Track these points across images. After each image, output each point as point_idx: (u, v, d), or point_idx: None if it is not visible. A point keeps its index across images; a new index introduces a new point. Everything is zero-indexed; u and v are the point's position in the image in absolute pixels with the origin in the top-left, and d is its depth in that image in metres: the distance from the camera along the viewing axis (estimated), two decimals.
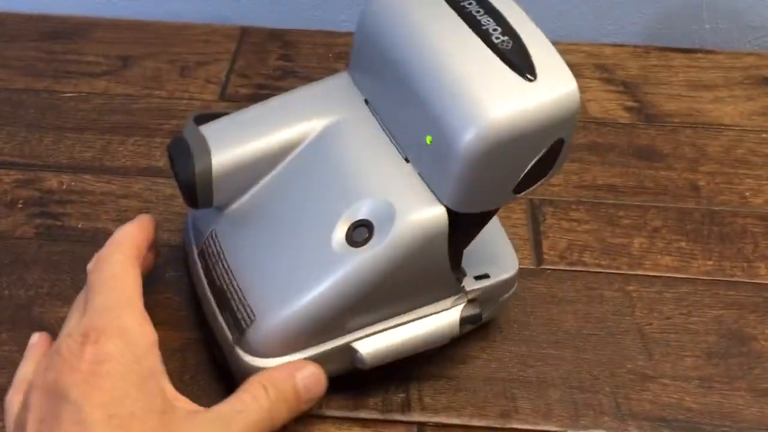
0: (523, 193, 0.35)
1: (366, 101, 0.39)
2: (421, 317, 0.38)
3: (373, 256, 0.35)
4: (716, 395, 0.43)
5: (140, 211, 0.51)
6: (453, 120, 0.32)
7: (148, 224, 0.41)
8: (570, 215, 0.52)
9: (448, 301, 0.39)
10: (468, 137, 0.31)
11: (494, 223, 0.43)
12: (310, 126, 0.39)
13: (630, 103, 0.62)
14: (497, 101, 0.31)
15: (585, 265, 0.49)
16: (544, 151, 0.33)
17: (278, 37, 0.67)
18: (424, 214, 0.35)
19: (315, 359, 0.37)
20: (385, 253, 0.34)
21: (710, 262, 0.50)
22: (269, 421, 0.35)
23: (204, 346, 0.43)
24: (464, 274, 0.40)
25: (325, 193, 0.37)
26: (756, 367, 0.44)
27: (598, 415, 0.41)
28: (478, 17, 0.34)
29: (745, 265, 0.50)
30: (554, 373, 0.43)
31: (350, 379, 0.41)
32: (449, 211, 0.34)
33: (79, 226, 0.50)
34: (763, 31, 0.69)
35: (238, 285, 0.38)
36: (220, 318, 0.39)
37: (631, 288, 0.48)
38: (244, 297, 0.37)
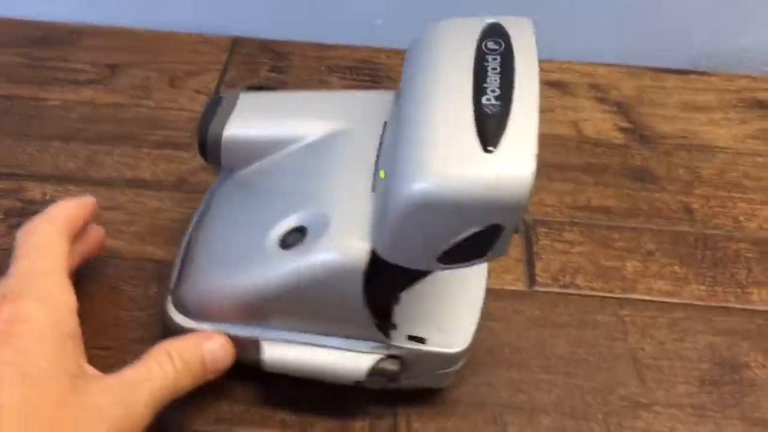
0: (450, 267, 0.33)
1: (384, 123, 0.38)
2: (334, 347, 0.38)
3: (289, 262, 0.35)
4: (709, 424, 0.42)
5: (125, 225, 0.50)
6: (400, 166, 0.32)
7: (88, 204, 0.41)
8: (563, 236, 0.52)
9: (365, 345, 0.38)
10: (402, 186, 0.31)
11: (471, 294, 0.41)
12: (322, 125, 0.39)
13: (624, 124, 0.62)
14: (441, 161, 0.30)
15: (578, 288, 0.48)
16: (476, 229, 0.31)
17: (270, 48, 0.66)
18: (349, 243, 0.34)
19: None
20: (299, 265, 0.35)
21: (703, 287, 0.49)
22: (173, 390, 0.35)
23: None
24: (394, 327, 0.38)
25: (290, 189, 0.38)
26: (749, 395, 0.43)
27: None
28: (489, 73, 0.32)
29: (738, 290, 0.49)
30: (546, 399, 0.42)
31: (337, 402, 0.41)
32: (374, 253, 0.33)
33: None
34: (755, 53, 0.69)
35: (196, 241, 0.41)
36: (177, 265, 0.41)
37: (624, 312, 0.47)
38: (194, 254, 0.40)
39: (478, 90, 0.32)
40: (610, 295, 0.48)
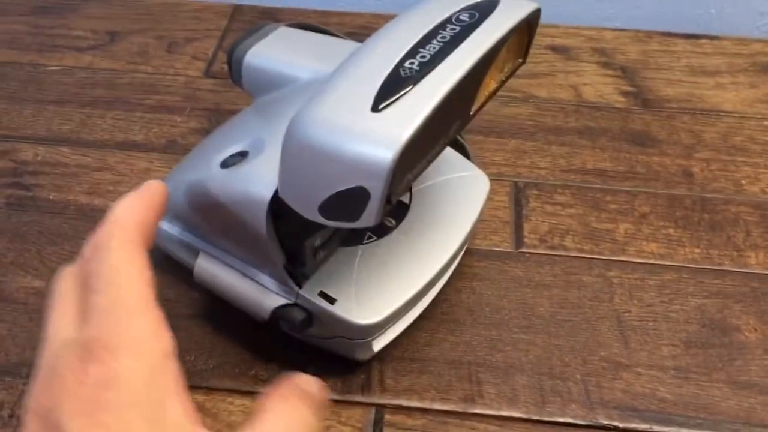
0: (330, 224, 0.31)
1: None
2: (254, 281, 0.38)
3: (215, 179, 0.36)
4: (692, 386, 0.41)
5: (113, 185, 0.50)
6: (301, 108, 0.31)
7: (157, 194, 0.32)
8: (555, 199, 0.51)
9: (279, 288, 0.38)
10: (289, 127, 0.30)
11: (411, 282, 0.40)
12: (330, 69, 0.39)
13: (627, 88, 0.60)
14: (327, 111, 0.29)
15: (565, 250, 0.47)
16: (344, 187, 0.29)
17: (270, 14, 0.66)
18: (264, 173, 0.33)
19: (176, 237, 0.40)
20: (221, 183, 0.35)
21: (698, 250, 0.48)
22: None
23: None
24: (306, 277, 0.38)
25: (260, 118, 0.39)
26: (737, 359, 0.42)
27: (566, 403, 0.40)
28: (434, 41, 0.31)
29: (735, 254, 0.47)
30: (523, 359, 0.42)
31: (312, 357, 0.40)
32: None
33: (50, 197, 0.49)
34: None
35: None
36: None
37: (611, 274, 0.46)
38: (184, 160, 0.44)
39: (411, 53, 0.31)
40: (599, 257, 0.47)
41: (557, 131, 0.56)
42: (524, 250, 0.47)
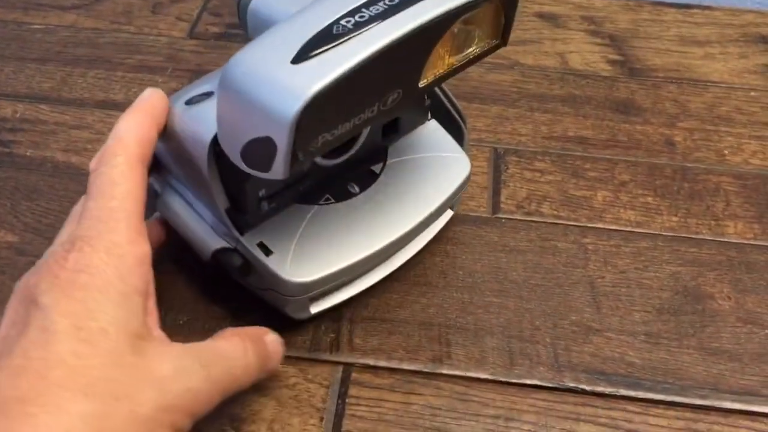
0: (250, 171, 0.31)
1: None
2: (205, 220, 0.38)
3: (176, 114, 0.36)
4: (662, 352, 0.41)
5: (90, 143, 0.50)
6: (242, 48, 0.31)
7: (158, 105, 0.36)
8: (534, 165, 0.50)
9: (223, 231, 0.37)
10: (226, 66, 0.30)
11: (355, 250, 0.39)
12: None
13: (614, 57, 0.59)
14: (253, 57, 0.29)
15: (542, 216, 0.47)
16: (255, 135, 0.29)
17: None
18: (212, 113, 0.32)
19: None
20: (180, 118, 0.35)
21: (675, 218, 0.47)
22: (243, 375, 0.33)
23: None
24: (249, 225, 0.38)
25: None
26: (709, 326, 0.42)
27: (534, 365, 0.40)
28: (378, 4, 0.30)
29: (713, 223, 0.47)
30: (494, 321, 0.42)
31: (282, 319, 0.40)
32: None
33: (27, 153, 0.49)
34: None
35: None
36: None
37: (587, 240, 0.46)
38: None
39: (352, 12, 0.30)
40: (575, 223, 0.47)
41: (541, 98, 0.55)
42: (500, 215, 0.47)
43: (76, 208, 0.36)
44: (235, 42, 0.59)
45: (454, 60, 0.34)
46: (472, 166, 0.49)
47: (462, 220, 0.47)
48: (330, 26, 0.29)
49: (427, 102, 0.44)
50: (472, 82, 0.56)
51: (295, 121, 0.27)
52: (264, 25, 0.38)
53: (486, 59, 0.57)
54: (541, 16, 0.62)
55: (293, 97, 0.27)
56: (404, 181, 0.42)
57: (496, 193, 0.48)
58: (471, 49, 0.34)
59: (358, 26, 0.29)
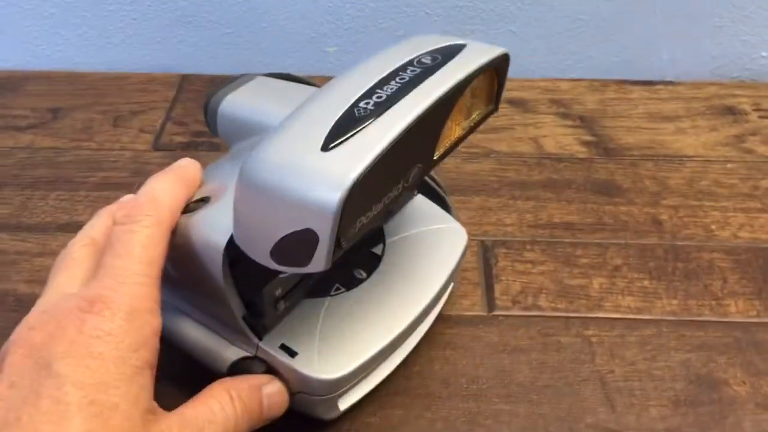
0: (282, 270, 0.30)
1: None
2: (214, 332, 0.37)
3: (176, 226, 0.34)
4: None
5: None
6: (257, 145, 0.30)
7: (191, 175, 0.35)
8: (524, 256, 0.49)
9: (239, 339, 0.36)
10: (243, 165, 0.29)
11: (377, 336, 0.38)
12: None
13: (587, 138, 0.59)
14: (278, 150, 0.29)
15: (540, 310, 0.45)
16: (293, 229, 0.28)
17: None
18: (220, 219, 0.32)
19: None
20: (180, 227, 0.34)
21: (675, 302, 0.46)
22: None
23: None
24: (266, 329, 0.36)
25: (226, 166, 0.37)
26: (729, 416, 0.40)
27: None
28: (392, 82, 0.31)
29: (714, 302, 0.46)
30: (506, 431, 0.39)
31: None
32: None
33: None
34: (723, 60, 0.67)
35: None
36: None
37: (590, 332, 0.44)
38: None
39: (368, 94, 0.30)
40: (575, 315, 0.45)
41: (521, 185, 0.54)
42: (497, 312, 0.45)
43: (78, 253, 0.33)
44: (202, 150, 0.57)
45: (459, 128, 0.35)
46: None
47: (458, 322, 0.44)
48: (350, 110, 0.29)
49: None
50: (450, 174, 0.55)
51: (339, 210, 0.27)
52: (238, 124, 0.39)
53: (461, 149, 0.57)
54: (510, 102, 0.62)
55: (334, 186, 0.27)
56: (408, 259, 0.42)
57: (489, 288, 0.46)
58: (473, 117, 0.36)
59: (379, 107, 0.29)
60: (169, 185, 0.34)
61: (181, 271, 0.35)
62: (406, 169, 0.31)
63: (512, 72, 0.65)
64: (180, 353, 0.38)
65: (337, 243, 0.28)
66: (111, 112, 0.60)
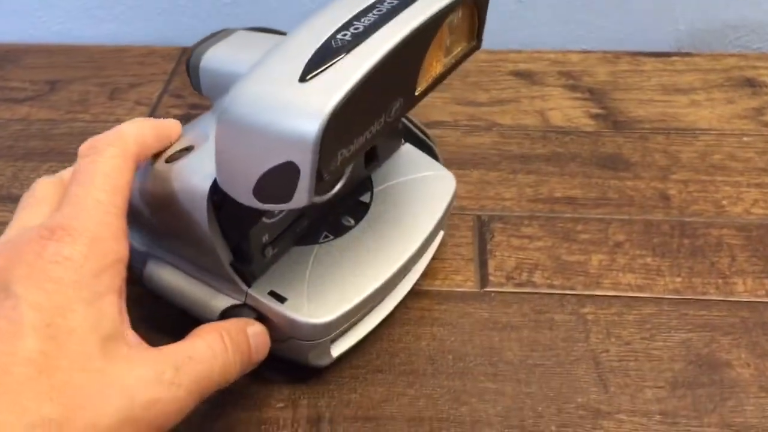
0: (266, 207, 0.30)
1: None
2: (203, 282, 0.37)
3: (158, 173, 0.34)
4: None
5: None
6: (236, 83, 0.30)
7: (169, 127, 0.35)
8: (521, 231, 0.47)
9: (228, 287, 0.36)
10: (222, 104, 0.29)
11: (366, 281, 0.38)
12: None
13: (596, 110, 0.57)
14: (255, 84, 0.29)
15: (534, 286, 0.43)
16: (274, 163, 0.28)
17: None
18: (203, 165, 0.32)
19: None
20: (164, 176, 0.34)
21: (679, 279, 0.44)
22: (222, 375, 0.31)
23: None
24: (254, 276, 0.36)
25: (210, 117, 0.37)
26: (730, 398, 0.38)
27: None
28: (370, 14, 0.30)
29: (720, 281, 0.43)
30: (491, 411, 0.37)
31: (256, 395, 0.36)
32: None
33: None
34: (743, 30, 0.64)
35: None
36: None
37: (585, 310, 0.42)
38: None
39: (345, 26, 0.29)
40: (571, 292, 0.43)
41: (523, 159, 0.52)
42: (489, 289, 0.43)
43: (42, 192, 0.33)
44: None
45: (440, 65, 0.34)
46: (455, 236, 0.46)
47: (447, 297, 0.43)
48: (328, 41, 0.29)
49: (399, 126, 0.44)
50: (449, 147, 0.53)
51: (318, 139, 0.27)
52: (219, 78, 0.38)
53: (462, 121, 0.55)
54: (517, 74, 0.60)
55: (312, 115, 0.27)
56: (395, 206, 0.42)
57: (482, 264, 0.45)
58: (454, 53, 0.35)
59: (357, 37, 0.29)
60: (137, 123, 0.34)
61: (167, 220, 0.35)
62: (388, 103, 0.31)
63: (520, 43, 0.64)
64: (176, 307, 0.38)
65: (319, 175, 0.28)
66: (108, 84, 0.60)
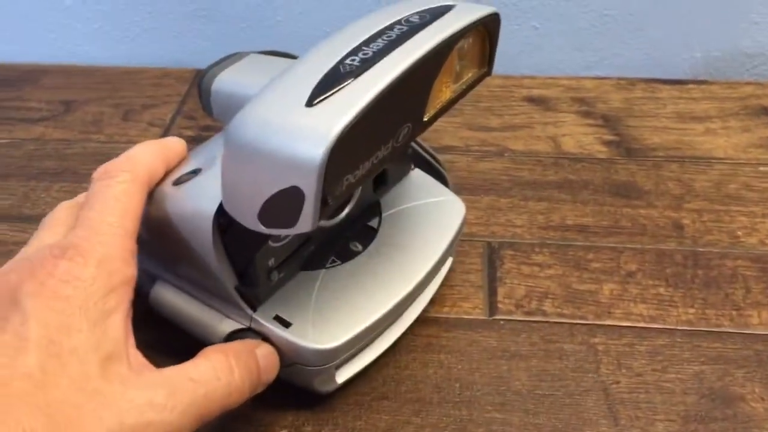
0: (270, 231, 0.30)
1: None
2: (209, 306, 0.36)
3: (165, 195, 0.34)
4: None
5: None
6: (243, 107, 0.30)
7: (174, 149, 0.36)
8: (532, 259, 0.46)
9: (234, 311, 0.36)
10: (229, 127, 0.29)
11: (373, 307, 0.37)
12: None
13: (609, 137, 0.56)
14: (262, 108, 0.29)
15: (544, 315, 0.43)
16: (279, 188, 0.28)
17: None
18: (208, 188, 0.32)
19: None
20: (171, 199, 0.34)
21: (692, 310, 0.43)
22: (226, 396, 0.31)
23: None
24: (259, 300, 0.36)
25: (220, 140, 0.37)
26: None
27: None
28: (379, 40, 0.30)
29: (734, 313, 0.43)
30: None
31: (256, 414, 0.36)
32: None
33: None
34: (760, 58, 0.63)
35: None
36: None
37: (596, 340, 0.41)
38: None
39: (354, 51, 0.29)
40: (582, 321, 0.42)
41: (534, 186, 0.52)
42: (498, 317, 0.43)
43: (59, 215, 0.35)
44: None
45: (449, 91, 0.34)
46: (464, 263, 0.46)
47: (455, 325, 0.42)
48: (336, 67, 0.29)
49: (409, 151, 0.44)
50: (460, 173, 0.53)
51: (323, 164, 0.26)
52: (231, 101, 0.38)
53: (474, 146, 0.55)
54: (530, 100, 0.60)
55: (318, 139, 0.26)
56: (404, 232, 0.41)
57: (492, 292, 0.44)
58: (464, 79, 0.35)
59: (365, 63, 0.29)
60: (146, 148, 0.35)
61: (173, 242, 0.35)
62: (395, 128, 0.31)
63: (534, 69, 0.64)
64: (183, 330, 0.38)
65: (324, 201, 0.28)
66: (123, 105, 0.60)
